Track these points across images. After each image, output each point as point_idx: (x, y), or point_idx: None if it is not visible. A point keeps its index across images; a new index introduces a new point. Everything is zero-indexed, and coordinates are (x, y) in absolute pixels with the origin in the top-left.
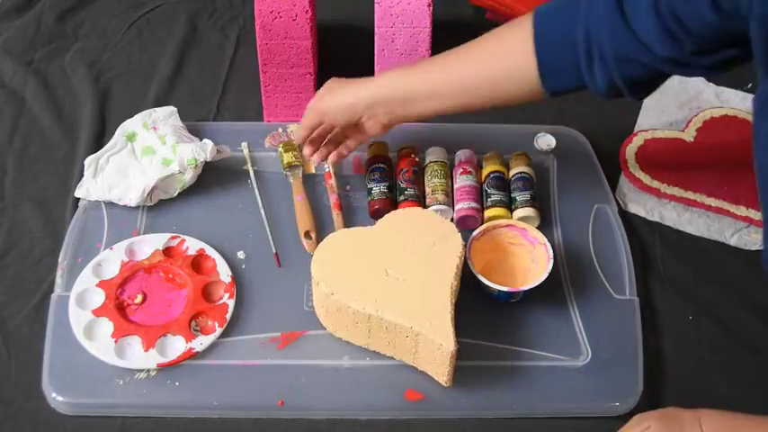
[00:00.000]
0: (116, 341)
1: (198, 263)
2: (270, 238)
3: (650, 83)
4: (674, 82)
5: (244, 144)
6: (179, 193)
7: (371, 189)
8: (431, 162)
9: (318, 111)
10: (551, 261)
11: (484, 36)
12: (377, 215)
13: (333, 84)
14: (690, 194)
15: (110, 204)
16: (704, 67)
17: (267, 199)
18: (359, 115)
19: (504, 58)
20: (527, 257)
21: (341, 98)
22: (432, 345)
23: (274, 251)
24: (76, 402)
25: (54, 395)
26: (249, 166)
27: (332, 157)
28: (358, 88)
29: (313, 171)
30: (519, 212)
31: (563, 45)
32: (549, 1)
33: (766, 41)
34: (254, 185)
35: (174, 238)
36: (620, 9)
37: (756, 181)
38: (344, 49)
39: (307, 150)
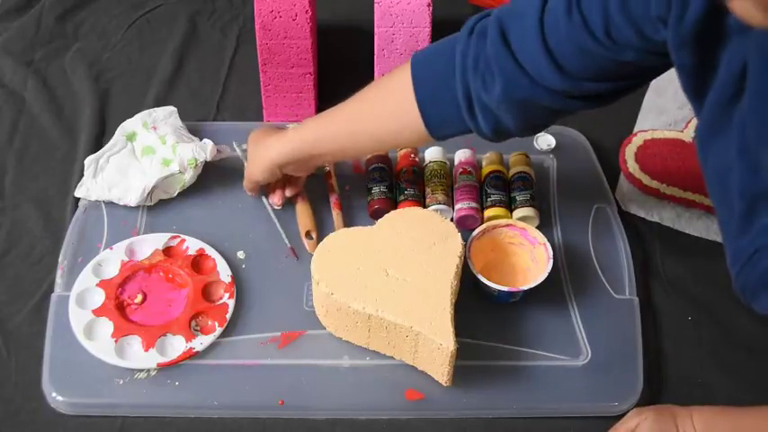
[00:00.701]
0: (116, 341)
1: (198, 263)
2: (282, 233)
3: (544, 122)
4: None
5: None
6: (179, 193)
7: (371, 189)
8: (431, 162)
9: (249, 176)
10: (551, 261)
11: (370, 86)
12: (377, 215)
13: (255, 137)
14: (689, 195)
15: (110, 204)
16: (589, 99)
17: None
18: (279, 174)
19: (390, 115)
20: (527, 257)
21: (260, 161)
22: (432, 345)
23: (289, 245)
24: (76, 402)
25: (54, 395)
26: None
27: (277, 199)
28: (269, 150)
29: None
30: (518, 212)
31: (442, 95)
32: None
33: (688, 85)
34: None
35: (173, 237)
36: (508, 51)
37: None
38: (344, 49)
39: (273, 198)
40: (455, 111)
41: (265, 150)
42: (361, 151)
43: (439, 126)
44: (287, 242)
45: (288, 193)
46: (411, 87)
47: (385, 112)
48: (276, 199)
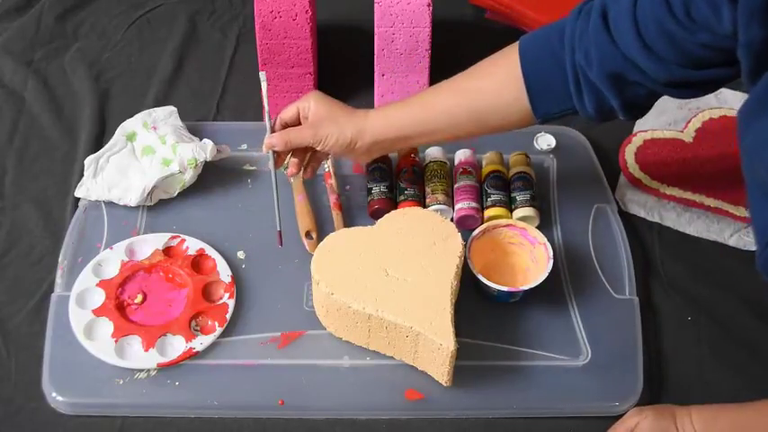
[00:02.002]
0: (116, 341)
1: (198, 263)
2: (277, 211)
3: (642, 102)
4: None
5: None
6: (179, 193)
7: (371, 189)
8: (431, 162)
9: (315, 135)
10: (551, 261)
11: (473, 68)
12: (377, 215)
13: (327, 110)
14: (689, 195)
15: (110, 204)
16: (691, 86)
17: (267, 199)
18: (353, 152)
19: (494, 89)
20: (527, 257)
21: (341, 134)
22: (432, 345)
23: (278, 229)
24: (76, 402)
25: (54, 395)
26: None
27: (295, 168)
28: (358, 128)
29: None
30: (519, 212)
31: (550, 72)
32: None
33: (751, 67)
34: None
35: (174, 237)
36: (606, 27)
37: (747, 194)
38: (344, 49)
39: (292, 168)
40: (562, 88)
41: (352, 126)
42: (460, 132)
43: (544, 103)
44: (278, 225)
45: (308, 171)
46: (517, 64)
47: (488, 88)
48: (293, 168)
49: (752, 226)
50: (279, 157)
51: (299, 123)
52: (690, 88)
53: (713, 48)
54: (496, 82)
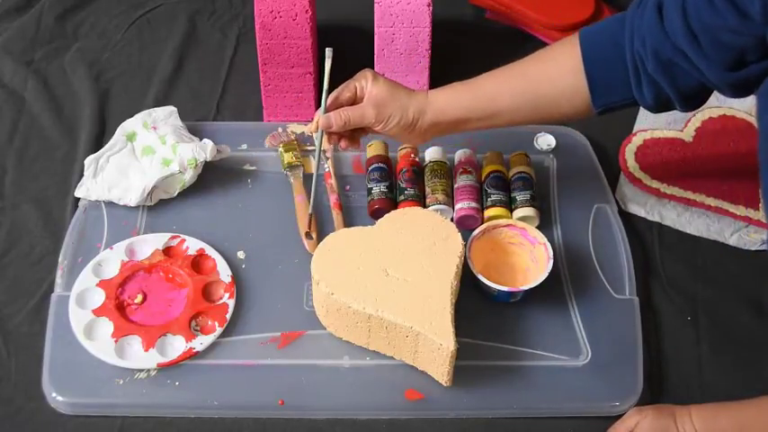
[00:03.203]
0: (116, 341)
1: (198, 263)
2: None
3: (696, 93)
4: None
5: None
6: (179, 193)
7: (371, 189)
8: (431, 162)
9: (378, 116)
10: (551, 261)
11: (531, 56)
12: (377, 215)
13: (388, 89)
14: (689, 194)
15: (110, 204)
16: (737, 87)
17: (267, 199)
18: (411, 133)
19: (554, 78)
20: (527, 257)
21: (404, 114)
22: (432, 345)
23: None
24: (76, 402)
25: (54, 395)
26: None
27: (345, 144)
28: (420, 108)
29: (313, 171)
30: (519, 212)
31: (611, 62)
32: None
33: None
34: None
35: (174, 237)
36: (660, 17)
37: (760, 175)
38: (344, 49)
39: (342, 143)
40: (622, 78)
41: (414, 108)
42: (518, 118)
43: (603, 94)
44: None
45: (343, 144)
46: (578, 55)
47: (550, 76)
48: (344, 144)
49: (763, 209)
50: (329, 137)
51: (353, 103)
52: (736, 89)
53: (746, 35)
54: (558, 71)
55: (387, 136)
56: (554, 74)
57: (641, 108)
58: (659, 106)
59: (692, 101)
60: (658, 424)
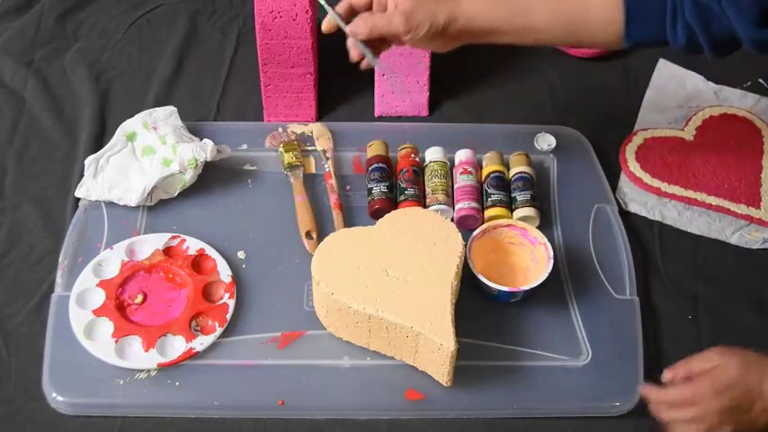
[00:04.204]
0: (116, 341)
1: (198, 263)
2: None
3: (728, 42)
4: (674, 81)
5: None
6: (179, 193)
7: (371, 189)
8: (431, 162)
9: (407, 23)
10: (551, 261)
11: None
12: (377, 215)
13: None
14: (690, 193)
15: (110, 204)
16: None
17: (267, 199)
18: (440, 39)
19: (592, 3)
20: (527, 257)
21: (435, 20)
22: (432, 345)
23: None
24: (76, 402)
25: (54, 395)
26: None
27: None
28: (451, 13)
29: (313, 171)
30: (519, 212)
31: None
32: None
33: None
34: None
35: (174, 237)
36: None
37: None
38: (344, 50)
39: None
40: (659, 17)
41: (445, 10)
42: (549, 37)
43: (638, 29)
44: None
45: (364, 63)
46: None
47: (588, 1)
48: (365, 62)
49: None
50: (353, 50)
51: (369, 10)
52: (760, 46)
53: None
54: None
55: (414, 46)
56: (593, 1)
57: (642, 107)
58: (690, 50)
59: (723, 49)
60: (743, 379)
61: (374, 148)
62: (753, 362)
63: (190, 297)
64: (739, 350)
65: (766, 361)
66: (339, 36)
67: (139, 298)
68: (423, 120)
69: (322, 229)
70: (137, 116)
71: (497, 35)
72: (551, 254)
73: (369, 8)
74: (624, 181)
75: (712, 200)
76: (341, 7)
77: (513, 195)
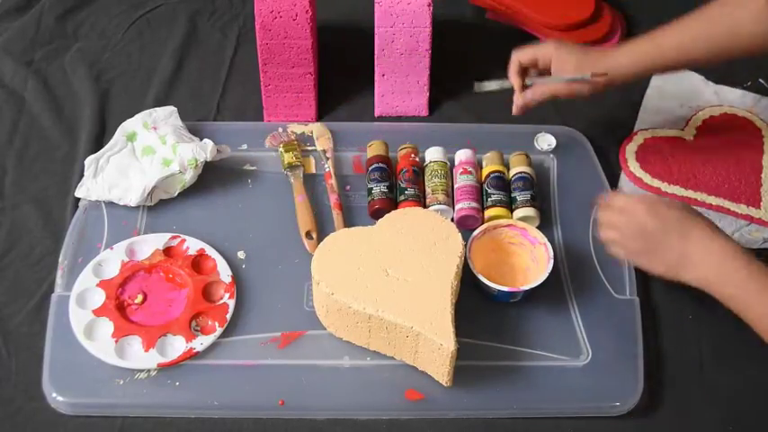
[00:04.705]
0: (116, 341)
1: (198, 263)
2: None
3: None
4: (673, 82)
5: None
6: (179, 193)
7: (371, 189)
8: (431, 162)
9: (568, 87)
10: (551, 261)
11: (713, 4)
12: (377, 215)
13: (574, 61)
14: (690, 193)
15: (110, 204)
16: None
17: (267, 199)
18: (596, 91)
19: (739, 25)
20: (527, 257)
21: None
22: (432, 345)
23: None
24: (76, 402)
25: (54, 395)
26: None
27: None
28: (594, 67)
29: (313, 171)
30: (519, 212)
31: None
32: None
33: None
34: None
35: (174, 237)
36: None
37: None
38: (344, 49)
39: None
40: None
41: (604, 61)
42: (699, 62)
43: None
44: None
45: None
46: None
47: (734, 19)
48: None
49: None
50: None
51: (534, 66)
52: None
53: None
54: (743, 18)
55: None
56: (744, 21)
57: (642, 107)
58: None
59: None
60: (661, 232)
61: (374, 148)
62: (680, 219)
63: (190, 297)
64: (644, 198)
65: (693, 224)
66: (339, 36)
67: (139, 298)
68: (423, 120)
69: (322, 229)
70: (137, 116)
71: (649, 74)
72: (551, 254)
73: (533, 65)
74: (624, 181)
75: (712, 200)
76: (513, 71)
77: (513, 195)
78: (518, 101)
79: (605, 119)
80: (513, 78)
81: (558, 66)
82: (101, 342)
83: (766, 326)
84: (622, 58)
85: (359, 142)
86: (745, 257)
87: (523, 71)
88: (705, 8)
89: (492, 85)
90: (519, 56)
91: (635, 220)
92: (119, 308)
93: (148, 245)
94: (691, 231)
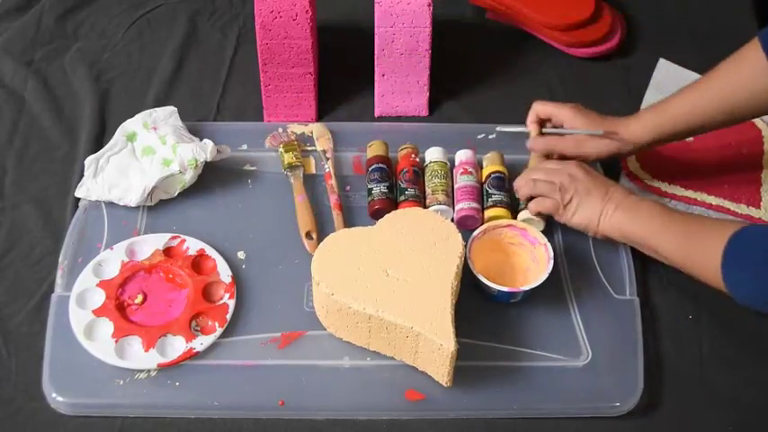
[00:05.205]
0: (116, 341)
1: (198, 263)
2: None
3: None
4: (673, 82)
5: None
6: (179, 193)
7: (371, 189)
8: (431, 162)
9: (577, 148)
10: (551, 261)
11: (716, 68)
12: (377, 215)
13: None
14: (690, 193)
15: (110, 204)
16: None
17: (267, 199)
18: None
19: (742, 84)
20: (527, 257)
21: (606, 147)
22: (432, 345)
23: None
24: (76, 402)
25: (54, 395)
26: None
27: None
28: (632, 133)
29: (313, 171)
30: (524, 214)
31: None
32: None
33: None
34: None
35: (174, 238)
36: None
37: None
38: (344, 49)
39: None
40: None
41: (617, 142)
42: (711, 127)
43: None
44: None
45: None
46: (761, 57)
47: (740, 82)
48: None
49: None
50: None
51: (549, 121)
52: None
53: None
54: (750, 76)
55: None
56: (746, 79)
57: (642, 107)
58: None
59: None
60: (584, 188)
61: (374, 149)
62: (597, 187)
63: (190, 297)
64: (584, 168)
65: (614, 186)
66: (339, 36)
67: (139, 298)
68: (423, 120)
69: (322, 229)
70: (137, 116)
71: (661, 143)
72: (551, 254)
73: (548, 119)
74: (624, 181)
75: (712, 200)
76: (531, 119)
77: (516, 196)
78: (529, 144)
79: None
80: (531, 126)
81: (571, 126)
82: (101, 342)
83: (677, 259)
84: (636, 125)
85: (359, 142)
86: (658, 206)
87: (541, 121)
88: (713, 72)
89: (511, 128)
90: (538, 109)
91: (567, 170)
92: (119, 308)
93: (148, 245)
94: (611, 189)
